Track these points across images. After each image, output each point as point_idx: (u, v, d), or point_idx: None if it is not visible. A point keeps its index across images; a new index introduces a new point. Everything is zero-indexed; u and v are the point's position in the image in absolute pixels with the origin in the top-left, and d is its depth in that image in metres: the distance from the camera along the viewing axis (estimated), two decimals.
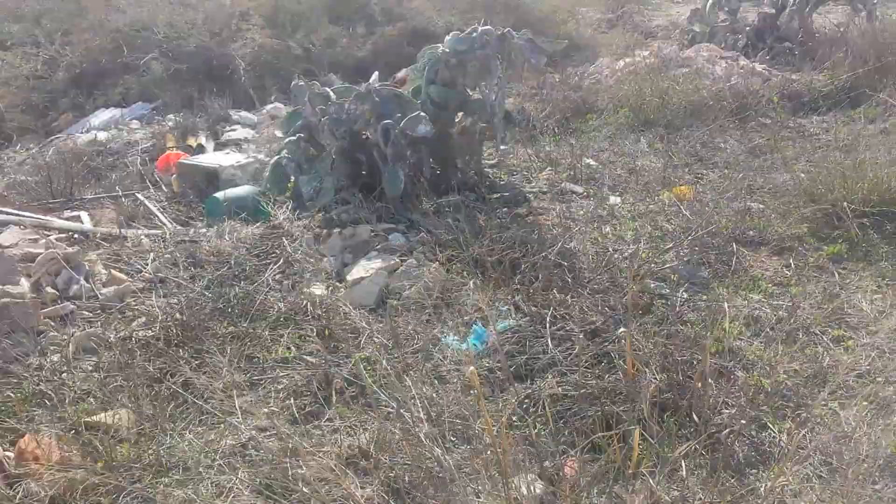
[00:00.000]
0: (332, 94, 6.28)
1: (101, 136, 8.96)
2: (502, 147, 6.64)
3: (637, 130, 8.44)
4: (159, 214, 6.29)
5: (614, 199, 6.37)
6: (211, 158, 7.17)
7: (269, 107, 9.81)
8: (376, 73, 7.62)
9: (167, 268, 5.25)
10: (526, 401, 3.60)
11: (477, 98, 6.12)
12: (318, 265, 5.16)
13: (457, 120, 6.46)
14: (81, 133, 9.33)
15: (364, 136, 5.92)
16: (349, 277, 4.89)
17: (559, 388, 3.64)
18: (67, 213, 6.05)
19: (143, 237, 5.65)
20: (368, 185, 6.02)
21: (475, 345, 3.95)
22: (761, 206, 6.04)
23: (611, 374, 3.75)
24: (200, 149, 8.59)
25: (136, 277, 5.14)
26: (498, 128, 6.02)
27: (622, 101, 9.04)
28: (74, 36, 11.58)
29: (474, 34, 5.95)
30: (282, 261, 5.15)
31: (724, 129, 8.08)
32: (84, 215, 5.94)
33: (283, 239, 5.38)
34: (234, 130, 9.08)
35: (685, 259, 4.99)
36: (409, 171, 5.89)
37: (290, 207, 5.99)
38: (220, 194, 6.31)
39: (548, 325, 4.02)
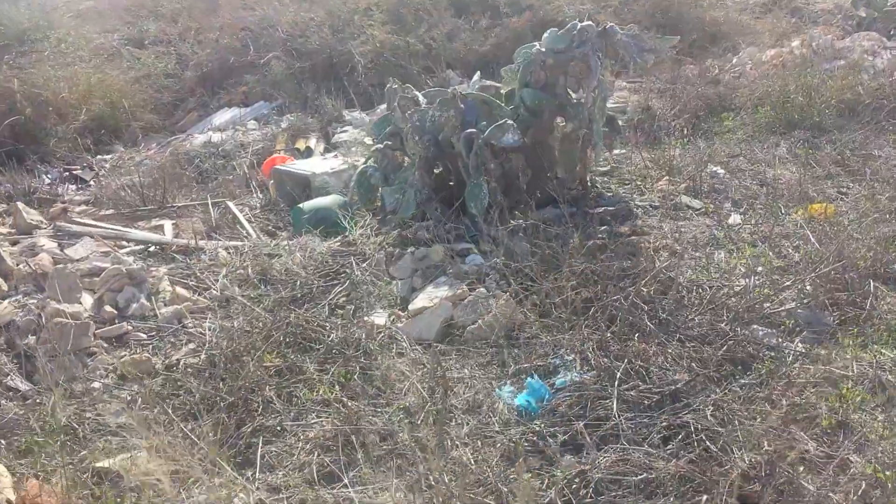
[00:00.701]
0: (421, 98, 5.85)
1: (216, 136, 9.00)
2: (602, 157, 5.93)
3: (778, 133, 7.46)
4: (246, 224, 6.11)
5: (735, 218, 5.55)
6: (306, 164, 6.94)
7: (382, 107, 9.49)
8: (478, 73, 7.14)
9: (236, 285, 5.03)
10: (576, 480, 3.01)
11: (576, 102, 5.48)
12: (384, 289, 4.76)
13: (561, 125, 5.85)
14: (200, 133, 9.43)
15: (450, 146, 5.44)
16: (411, 306, 4.45)
17: (619, 467, 3.02)
18: (154, 222, 5.98)
19: (220, 250, 5.47)
20: (453, 198, 5.55)
21: (528, 402, 3.40)
22: None
23: (687, 451, 3.10)
24: (308, 152, 8.44)
25: (204, 295, 4.95)
26: (597, 135, 5.35)
27: (763, 98, 8.04)
28: (205, 34, 11.81)
29: (574, 31, 5.31)
30: (348, 283, 4.79)
31: (882, 133, 6.96)
32: (168, 225, 5.84)
33: (353, 258, 5.02)
34: (345, 132, 8.86)
35: (807, 300, 4.17)
36: (496, 183, 5.36)
37: (368, 221, 5.64)
38: (304, 204, 6.05)
39: (616, 382, 3.40)
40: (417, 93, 5.95)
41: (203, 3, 13.07)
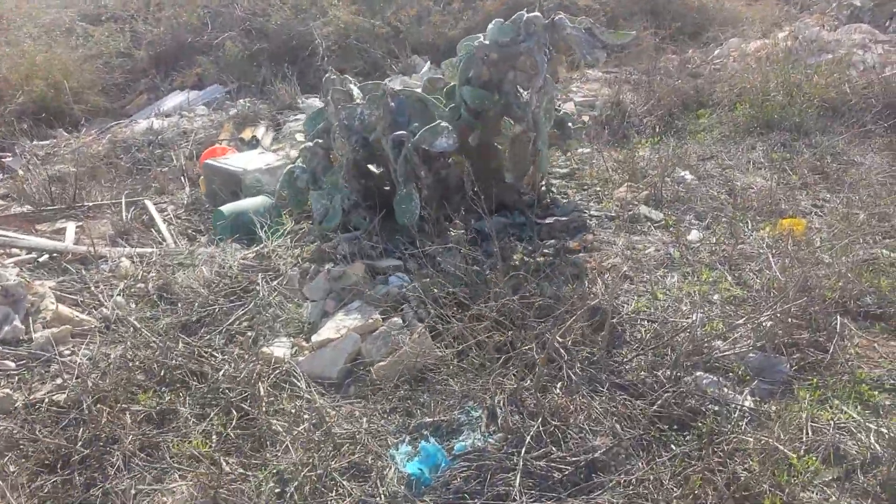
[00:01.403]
0: (355, 91, 5.28)
1: (158, 123, 8.41)
2: (548, 164, 5.36)
3: (756, 133, 6.91)
4: (162, 227, 5.55)
5: (696, 235, 5.00)
6: (239, 159, 6.36)
7: None
8: (427, 63, 6.57)
9: (132, 302, 4.49)
10: None
11: (524, 102, 4.91)
12: (293, 313, 4.22)
13: (511, 126, 5.28)
14: (145, 119, 8.83)
15: (382, 148, 4.88)
16: (315, 337, 3.91)
17: None
18: (60, 224, 5.42)
19: (124, 259, 4.92)
20: (387, 207, 4.99)
21: (420, 471, 2.87)
22: (895, 256, 4.51)
23: None
24: (254, 142, 7.87)
25: (95, 314, 4.40)
26: (541, 140, 4.78)
27: (742, 94, 7.47)
28: (164, 11, 11.16)
29: (520, 22, 4.73)
30: (252, 305, 4.25)
31: (867, 138, 6.41)
32: (70, 228, 5.28)
33: (263, 275, 4.47)
34: (297, 121, 8.26)
35: (761, 342, 3.64)
36: (431, 191, 4.81)
37: (289, 229, 5.10)
38: (225, 207, 5.49)
39: (525, 449, 2.88)
40: (353, 86, 5.38)
41: None
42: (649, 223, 5.28)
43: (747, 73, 7.76)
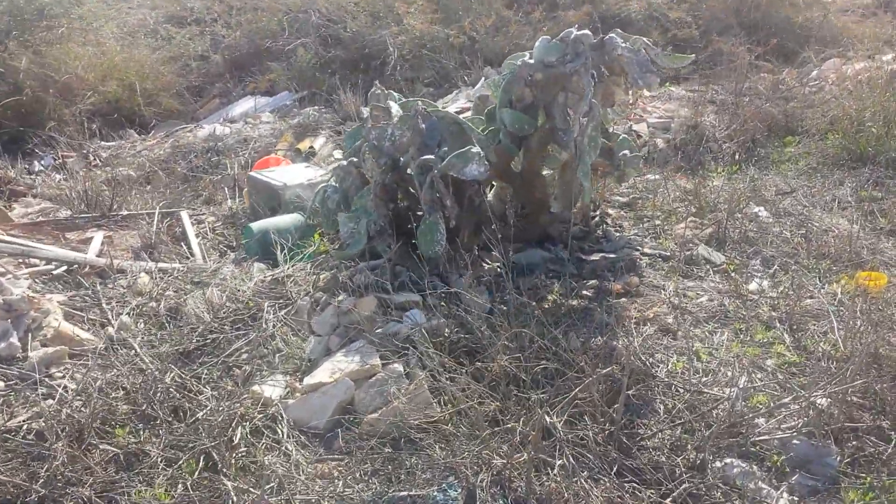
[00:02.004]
0: (394, 108, 4.96)
1: (221, 129, 8.33)
2: (590, 196, 4.87)
3: (846, 167, 6.21)
4: (193, 241, 5.38)
5: (758, 284, 4.44)
6: (283, 172, 6.14)
7: None
8: (483, 78, 6.19)
9: (142, 322, 4.30)
10: None
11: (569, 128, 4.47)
12: (296, 348, 3.92)
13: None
14: (211, 124, 8.79)
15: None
16: (308, 379, 3.59)
17: None
18: (90, 233, 5.32)
19: (143, 274, 4.75)
20: (414, 234, 4.65)
21: None
22: None
23: None
24: (311, 153, 7.67)
25: (99, 333, 4.23)
26: (582, 172, 4.32)
27: (835, 122, 6.76)
28: (245, 15, 11.17)
29: (567, 40, 4.30)
30: (254, 336, 3.97)
31: None
32: (97, 238, 5.16)
33: (271, 303, 4.19)
34: None
35: (808, 427, 3.09)
36: (464, 220, 4.43)
37: (312, 251, 4.82)
38: (255, 224, 5.26)
39: None
40: (393, 102, 5.06)
41: None
42: (708, 266, 4.74)
43: (842, 98, 7.03)
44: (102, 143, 8.54)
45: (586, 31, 4.25)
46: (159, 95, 9.56)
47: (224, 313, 4.19)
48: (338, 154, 5.91)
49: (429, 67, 9.55)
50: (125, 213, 5.62)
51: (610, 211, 5.73)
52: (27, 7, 8.98)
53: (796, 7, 11.21)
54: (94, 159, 7.94)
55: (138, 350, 3.94)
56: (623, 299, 4.35)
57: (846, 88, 7.52)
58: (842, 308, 4.04)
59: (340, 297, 4.14)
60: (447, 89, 9.21)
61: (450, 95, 8.82)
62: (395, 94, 5.45)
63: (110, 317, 4.34)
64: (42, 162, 7.89)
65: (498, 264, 4.72)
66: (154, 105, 9.39)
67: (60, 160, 7.83)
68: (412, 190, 4.73)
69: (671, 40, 10.17)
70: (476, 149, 4.18)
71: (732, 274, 4.60)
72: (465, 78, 9.20)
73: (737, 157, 6.79)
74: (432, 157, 4.24)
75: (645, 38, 4.35)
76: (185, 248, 5.30)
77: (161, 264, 4.94)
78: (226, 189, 6.70)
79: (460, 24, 9.76)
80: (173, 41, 10.73)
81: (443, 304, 4.10)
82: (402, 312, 4.09)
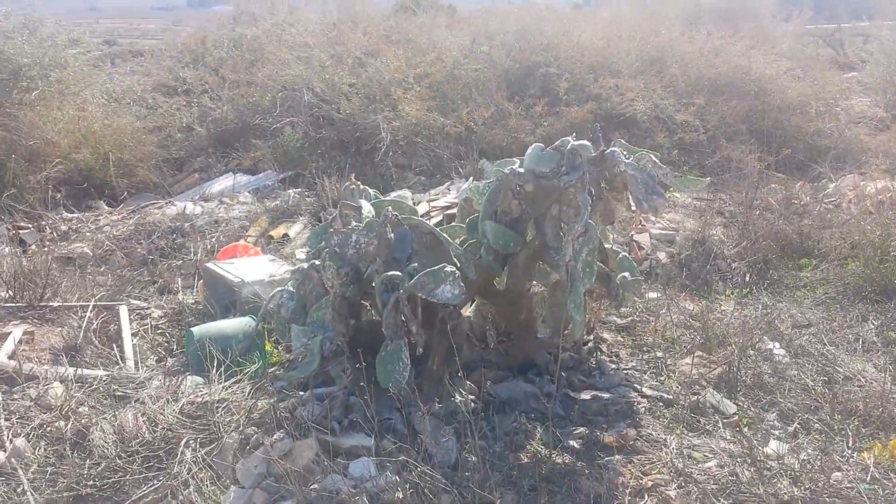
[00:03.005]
0: (365, 208, 4.36)
1: (191, 208, 7.74)
2: (580, 330, 4.19)
3: (870, 300, 5.58)
4: (127, 343, 4.69)
5: (776, 446, 3.74)
6: (242, 266, 5.50)
7: (395, 193, 8.04)
8: (482, 163, 5.61)
9: (43, 447, 3.59)
10: None
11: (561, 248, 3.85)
12: (211, 502, 3.20)
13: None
14: (183, 201, 8.20)
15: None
16: None
17: None
18: (10, 327, 4.65)
19: (56, 384, 4.05)
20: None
21: None
22: None
23: None
24: (285, 241, 7.06)
25: None
26: (572, 300, 3.68)
27: (856, 248, 6.18)
28: (239, 89, 10.74)
29: (564, 150, 3.72)
30: (160, 484, 3.25)
31: None
32: (15, 334, 4.48)
33: (193, 434, 3.49)
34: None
35: None
36: (435, 346, 3.77)
37: (255, 369, 4.13)
38: (196, 329, 4.59)
39: None
40: (365, 202, 4.47)
41: (252, 54, 12.09)
42: (717, 417, 4.05)
43: (864, 220, 6.46)
44: (65, 214, 7.94)
45: (584, 142, 3.67)
46: (136, 166, 9.01)
47: (136, 444, 3.48)
48: (301, 254, 5.31)
49: (422, 155, 9.05)
50: (56, 303, 4.95)
51: (605, 335, 5.07)
52: (2, 67, 8.52)
53: (807, 116, 10.81)
54: (51, 232, 7.31)
55: (26, 487, 3.23)
56: (617, 457, 3.65)
57: (866, 210, 6.97)
58: (876, 487, 3.35)
59: (275, 437, 3.44)
60: (440, 180, 8.68)
61: (441, 187, 8.27)
62: (372, 191, 4.89)
63: (5, 437, 3.62)
64: None
65: (472, 397, 4.05)
66: (128, 176, 8.83)
67: (14, 231, 7.21)
68: (373, 308, 4.09)
69: (677, 143, 9.70)
70: (450, 268, 3.55)
71: (745, 430, 3.91)
72: (460, 169, 8.68)
73: (747, 278, 6.18)
74: (398, 273, 3.61)
75: (653, 155, 3.77)
76: (115, 350, 4.61)
77: (84, 371, 4.25)
78: (179, 279, 6.04)
79: (458, 114, 9.31)
80: (159, 110, 10.26)
81: (399, 449, 3.42)
82: (349, 460, 3.39)
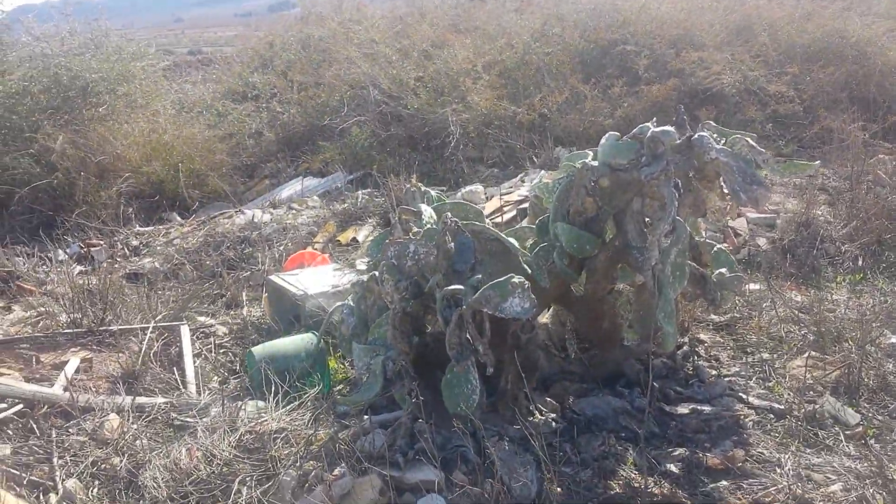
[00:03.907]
0: (426, 213, 4.00)
1: (259, 215, 7.56)
2: (672, 341, 3.69)
3: None
4: (189, 366, 4.48)
5: None
6: (307, 278, 5.23)
7: (467, 188, 7.67)
8: (558, 151, 5.18)
9: (96, 488, 3.38)
10: None
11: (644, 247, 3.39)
12: None
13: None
14: (254, 209, 8.04)
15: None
16: None
17: None
18: (70, 354, 4.49)
19: (112, 415, 3.85)
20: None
21: None
22: None
23: None
24: (354, 244, 6.78)
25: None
26: (662, 310, 3.22)
27: None
28: (308, 91, 10.55)
29: (643, 138, 3.26)
30: None
31: None
32: (73, 363, 4.32)
33: (237, 482, 3.19)
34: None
35: None
36: (506, 364, 3.38)
37: (317, 392, 3.82)
38: (257, 349, 4.33)
39: None
40: (424, 206, 4.11)
41: (319, 55, 11.91)
42: (838, 429, 3.52)
43: None
44: (138, 228, 7.89)
45: (667, 128, 3.19)
46: (207, 176, 8.92)
47: (189, 484, 3.22)
48: (362, 264, 4.99)
49: (494, 147, 8.64)
50: (116, 327, 4.77)
51: (702, 336, 4.57)
52: (71, 84, 8.53)
53: None
54: (123, 248, 7.25)
55: None
56: (723, 482, 3.18)
57: None
58: None
59: (335, 473, 3.11)
60: (513, 171, 8.25)
61: (514, 179, 7.84)
62: (434, 192, 4.51)
63: (58, 478, 3.42)
64: (68, 250, 7.24)
65: (553, 416, 3.65)
66: (200, 186, 8.74)
67: (85, 249, 7.17)
68: (437, 325, 3.72)
69: (770, 116, 8.98)
70: (518, 278, 3.15)
71: (872, 443, 3.38)
72: (534, 158, 8.22)
73: (860, 262, 5.54)
74: (460, 287, 3.23)
75: (748, 137, 3.25)
76: (176, 374, 4.39)
77: (141, 399, 4.04)
78: (243, 293, 5.82)
79: (530, 101, 8.83)
80: (229, 117, 10.17)
81: (473, 481, 3.06)
82: (416, 496, 3.05)
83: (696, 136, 3.13)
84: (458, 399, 3.24)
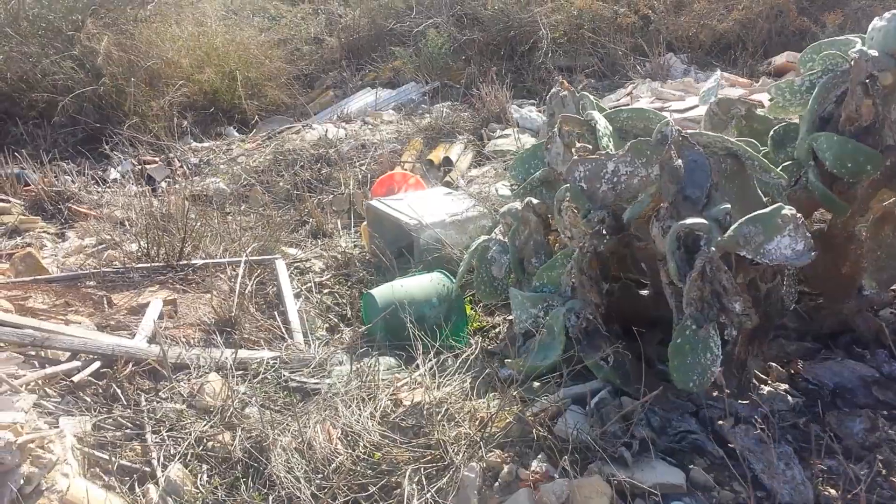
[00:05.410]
0: (600, 123, 3.11)
1: (333, 131, 6.68)
2: None
3: None
4: (292, 312, 3.68)
5: None
6: (415, 202, 4.38)
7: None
8: (717, 73, 4.28)
9: (206, 474, 2.63)
10: None
11: None
12: None
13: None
14: (322, 123, 7.15)
15: (649, 236, 2.67)
16: None
17: None
18: (147, 295, 3.71)
19: (212, 375, 3.08)
20: (645, 339, 2.79)
21: None
22: None
23: None
24: (447, 165, 5.91)
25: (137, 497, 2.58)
26: None
27: None
28: None
29: None
30: None
31: None
32: (154, 306, 3.53)
33: (404, 477, 2.41)
34: (506, 136, 6.20)
35: None
36: (747, 322, 2.53)
37: (471, 353, 3.00)
38: (377, 290, 3.52)
39: None
40: (595, 112, 3.22)
41: None
42: None
43: None
44: (194, 143, 7.05)
45: None
46: (264, 86, 8.01)
47: (330, 475, 2.45)
48: (504, 188, 4.10)
49: (590, 54, 7.61)
50: (199, 260, 3.97)
51: None
52: None
53: None
54: (181, 166, 6.42)
55: None
56: None
57: None
58: None
59: (535, 469, 2.32)
60: (616, 81, 7.26)
61: (621, 90, 6.86)
62: (590, 96, 3.59)
63: (155, 461, 2.67)
64: (119, 168, 6.43)
65: (784, 387, 2.84)
66: (257, 98, 7.84)
67: (140, 166, 6.35)
68: (645, 266, 2.88)
69: None
70: (789, 209, 2.27)
71: None
72: (638, 68, 7.21)
73: None
74: (700, 221, 2.36)
75: None
76: (278, 320, 3.60)
77: (243, 352, 3.26)
78: (336, 218, 4.99)
79: (633, 0, 7.76)
80: (282, 21, 9.16)
81: (717, 480, 2.27)
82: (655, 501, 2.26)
83: None
84: (691, 372, 2.41)
